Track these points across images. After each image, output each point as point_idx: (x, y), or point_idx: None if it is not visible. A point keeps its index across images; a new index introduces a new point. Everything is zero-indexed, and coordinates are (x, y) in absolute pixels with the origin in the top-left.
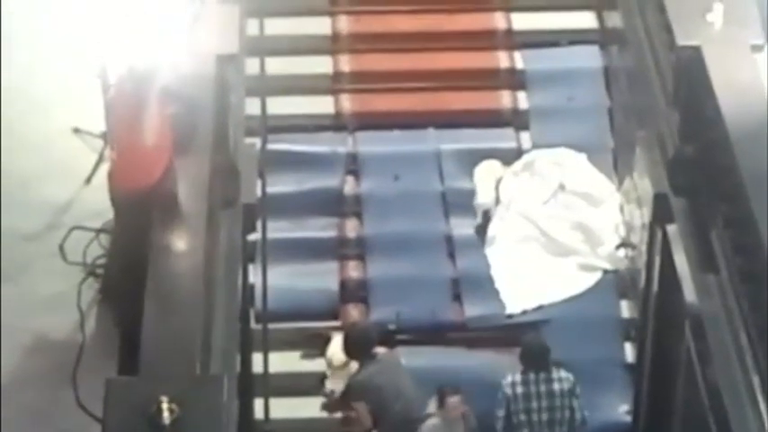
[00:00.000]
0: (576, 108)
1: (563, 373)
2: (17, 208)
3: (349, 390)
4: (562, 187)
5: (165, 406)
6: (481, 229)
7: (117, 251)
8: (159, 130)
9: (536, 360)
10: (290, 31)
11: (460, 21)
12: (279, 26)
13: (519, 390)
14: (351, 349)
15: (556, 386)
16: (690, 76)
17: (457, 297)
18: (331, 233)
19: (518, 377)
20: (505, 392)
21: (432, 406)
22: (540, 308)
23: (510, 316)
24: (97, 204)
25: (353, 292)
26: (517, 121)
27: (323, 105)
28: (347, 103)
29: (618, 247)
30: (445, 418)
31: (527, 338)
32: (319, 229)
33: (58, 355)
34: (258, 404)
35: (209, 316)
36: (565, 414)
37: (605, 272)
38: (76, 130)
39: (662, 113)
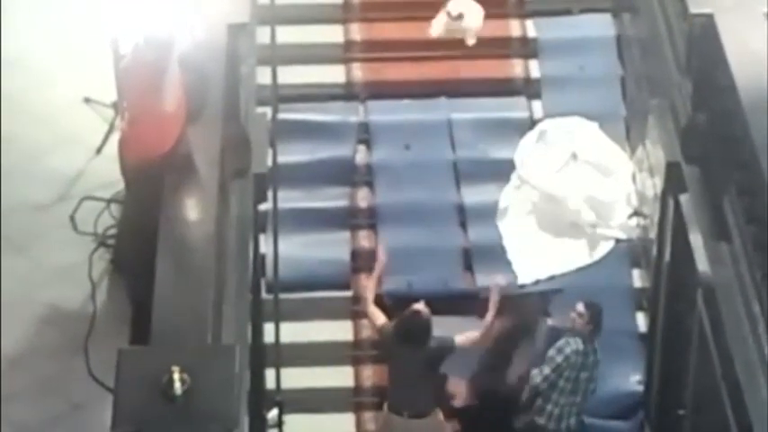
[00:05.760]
0: (588, 77)
1: (596, 345)
2: (28, 179)
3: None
4: (574, 156)
5: (176, 376)
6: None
7: (128, 221)
8: (174, 98)
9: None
10: (300, 0)
11: None
12: None
13: (579, 359)
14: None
15: (598, 358)
16: (702, 45)
17: (468, 266)
18: (342, 203)
19: (581, 346)
20: (566, 354)
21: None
22: (552, 278)
23: (522, 286)
24: (108, 174)
25: (365, 261)
26: (529, 89)
27: (334, 74)
28: (358, 72)
29: (630, 216)
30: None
31: (592, 303)
32: (330, 198)
33: (70, 325)
34: (269, 374)
35: (221, 286)
36: (590, 386)
37: (617, 241)
38: (87, 100)
39: (675, 82)
